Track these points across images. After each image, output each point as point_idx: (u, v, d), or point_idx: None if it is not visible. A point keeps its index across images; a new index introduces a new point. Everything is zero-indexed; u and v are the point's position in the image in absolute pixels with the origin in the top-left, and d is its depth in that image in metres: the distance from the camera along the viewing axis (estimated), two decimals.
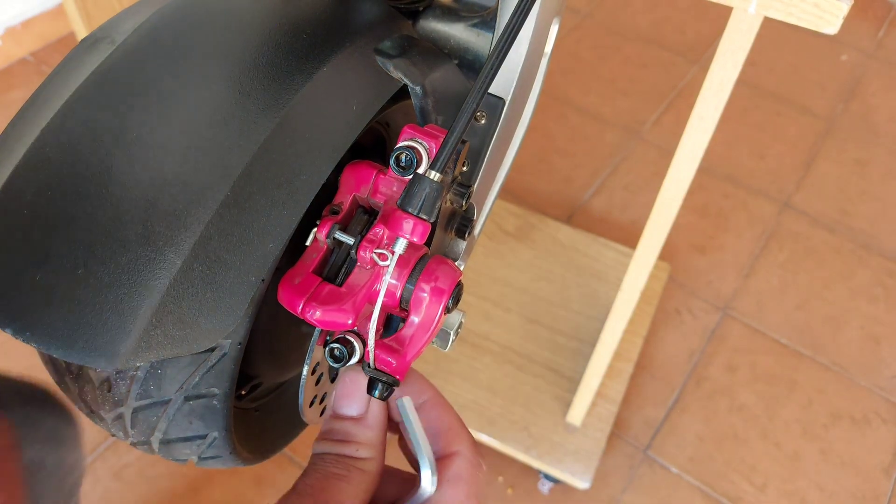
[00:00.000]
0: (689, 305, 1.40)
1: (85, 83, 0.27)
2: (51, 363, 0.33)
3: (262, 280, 0.28)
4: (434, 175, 0.28)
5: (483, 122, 0.37)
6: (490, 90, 0.35)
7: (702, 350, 1.34)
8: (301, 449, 1.15)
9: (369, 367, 0.31)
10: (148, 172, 0.25)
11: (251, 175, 0.27)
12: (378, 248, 0.30)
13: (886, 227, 1.56)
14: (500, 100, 0.36)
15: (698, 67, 1.87)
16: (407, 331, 0.31)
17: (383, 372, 0.31)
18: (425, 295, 0.31)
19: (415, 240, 0.29)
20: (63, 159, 0.26)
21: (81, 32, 0.87)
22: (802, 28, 0.55)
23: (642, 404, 1.26)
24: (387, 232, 0.30)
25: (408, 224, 0.28)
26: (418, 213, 0.28)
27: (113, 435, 0.35)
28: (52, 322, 0.25)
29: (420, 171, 0.30)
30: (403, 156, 0.30)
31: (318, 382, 0.38)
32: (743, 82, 1.80)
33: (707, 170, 1.63)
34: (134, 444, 0.35)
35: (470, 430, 1.29)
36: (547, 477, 1.15)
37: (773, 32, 1.93)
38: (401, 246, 0.29)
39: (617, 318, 0.94)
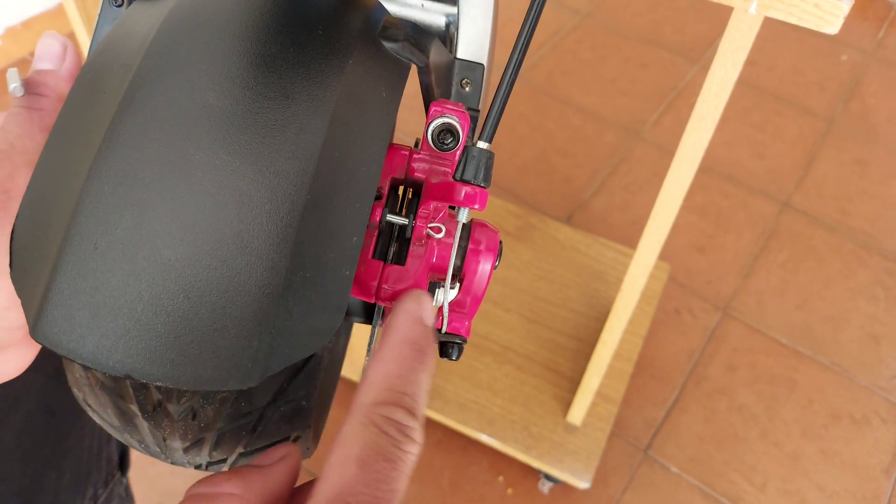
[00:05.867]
0: (689, 305, 1.40)
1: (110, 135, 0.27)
2: (137, 403, 0.32)
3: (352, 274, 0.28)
4: (484, 144, 0.30)
5: (468, 89, 0.38)
6: (468, 57, 0.37)
7: (702, 350, 1.34)
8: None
9: (440, 332, 0.33)
10: (227, 195, 0.25)
11: (322, 174, 0.27)
12: (432, 222, 0.31)
13: (886, 227, 1.56)
14: (480, 65, 0.37)
15: (698, 67, 1.87)
16: (464, 294, 0.33)
17: (455, 334, 0.33)
18: (477, 258, 0.32)
19: (476, 207, 0.30)
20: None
21: (81, 32, 0.87)
22: (802, 28, 0.55)
23: (642, 404, 1.26)
24: (438, 205, 0.32)
25: (469, 193, 0.30)
26: (478, 182, 0.30)
27: (173, 463, 0.33)
28: (174, 357, 0.24)
29: (462, 143, 0.31)
30: (447, 132, 0.32)
31: None
32: (743, 82, 1.80)
33: (707, 170, 1.63)
34: (206, 467, 0.34)
35: (470, 429, 1.26)
36: (547, 477, 1.15)
37: (773, 32, 1.93)
38: (465, 215, 0.31)
39: (617, 318, 0.94)
